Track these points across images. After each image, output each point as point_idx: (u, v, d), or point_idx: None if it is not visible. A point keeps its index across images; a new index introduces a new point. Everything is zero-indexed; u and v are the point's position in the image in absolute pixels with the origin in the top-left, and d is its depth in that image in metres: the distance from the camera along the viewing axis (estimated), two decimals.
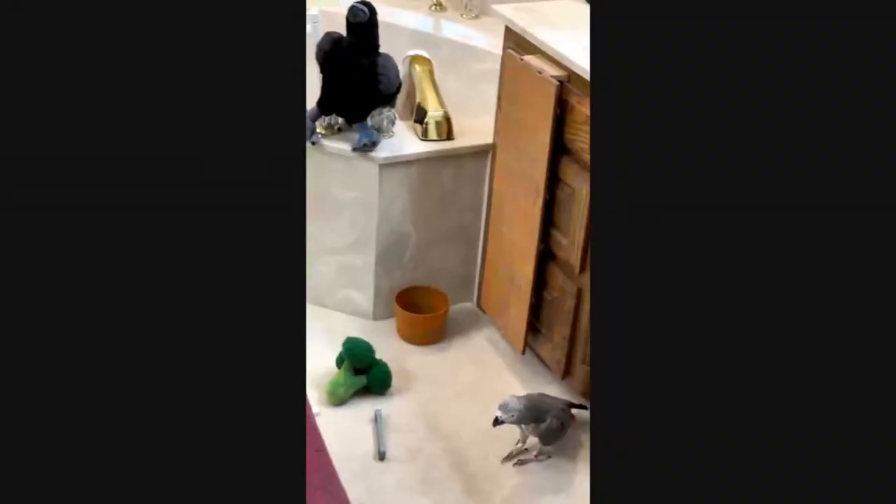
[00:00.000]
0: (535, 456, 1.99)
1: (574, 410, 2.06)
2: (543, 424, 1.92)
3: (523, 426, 1.94)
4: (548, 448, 1.99)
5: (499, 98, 2.16)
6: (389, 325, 2.37)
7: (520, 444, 1.99)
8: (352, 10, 2.11)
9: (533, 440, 1.97)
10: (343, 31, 2.16)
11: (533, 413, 1.92)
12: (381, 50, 2.19)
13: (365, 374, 2.13)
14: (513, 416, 1.89)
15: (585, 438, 2.08)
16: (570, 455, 2.03)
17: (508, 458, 1.99)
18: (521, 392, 2.18)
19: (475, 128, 2.33)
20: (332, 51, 2.18)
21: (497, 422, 1.89)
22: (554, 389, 2.19)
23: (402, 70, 2.39)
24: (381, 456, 1.97)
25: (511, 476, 1.95)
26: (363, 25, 2.13)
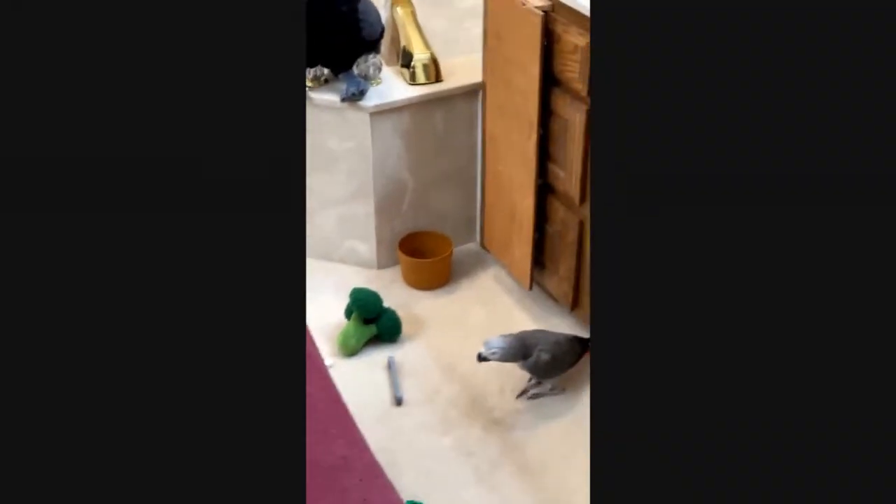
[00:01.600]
0: (550, 390, 2.01)
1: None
2: (531, 359, 1.93)
3: (519, 363, 1.96)
4: (554, 381, 2.00)
5: (484, 34, 2.13)
6: (395, 272, 2.38)
7: (532, 380, 2.01)
8: None
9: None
10: None
11: (518, 350, 1.92)
12: None
13: (374, 323, 2.14)
14: (495, 353, 1.90)
15: None
16: (586, 387, 2.05)
17: (522, 393, 2.01)
18: (532, 327, 2.19)
19: (463, 67, 2.30)
20: (310, 1, 2.14)
21: (480, 358, 1.91)
22: (564, 322, 2.20)
23: (384, 14, 2.36)
24: (398, 401, 1.99)
25: (529, 409, 1.98)
26: None
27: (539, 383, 2.01)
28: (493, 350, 1.90)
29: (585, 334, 2.13)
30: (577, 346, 2.02)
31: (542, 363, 1.93)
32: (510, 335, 1.95)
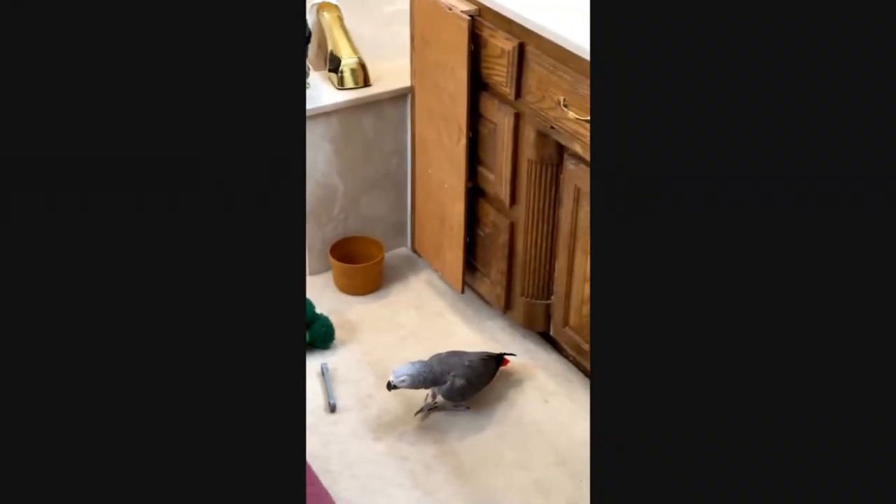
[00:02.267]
0: (454, 406, 1.99)
1: (508, 357, 2.08)
2: (445, 386, 1.91)
3: (433, 389, 1.94)
4: (463, 403, 1.99)
5: (412, 39, 2.13)
6: (326, 278, 2.36)
7: (429, 399, 1.99)
8: None
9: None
10: None
11: (428, 376, 1.90)
12: None
13: (307, 329, 2.12)
14: (404, 381, 1.88)
15: (521, 379, 2.12)
16: (513, 388, 2.06)
17: (419, 411, 1.98)
18: (465, 330, 2.20)
19: (392, 72, 2.30)
20: None
21: (390, 386, 1.89)
22: (497, 324, 2.22)
23: (310, 19, 2.34)
24: (332, 408, 1.98)
25: (464, 414, 1.98)
26: None
27: (436, 405, 1.99)
28: (401, 378, 1.88)
29: (517, 336, 2.14)
30: (491, 365, 2.01)
31: (458, 388, 1.92)
32: (419, 362, 1.93)
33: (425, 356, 2.04)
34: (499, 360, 2.04)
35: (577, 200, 1.82)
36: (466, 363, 1.95)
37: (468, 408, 1.99)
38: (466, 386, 1.93)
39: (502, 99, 1.91)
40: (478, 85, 1.96)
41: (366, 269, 2.30)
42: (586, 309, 1.90)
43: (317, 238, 2.34)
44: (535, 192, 1.91)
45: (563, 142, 1.79)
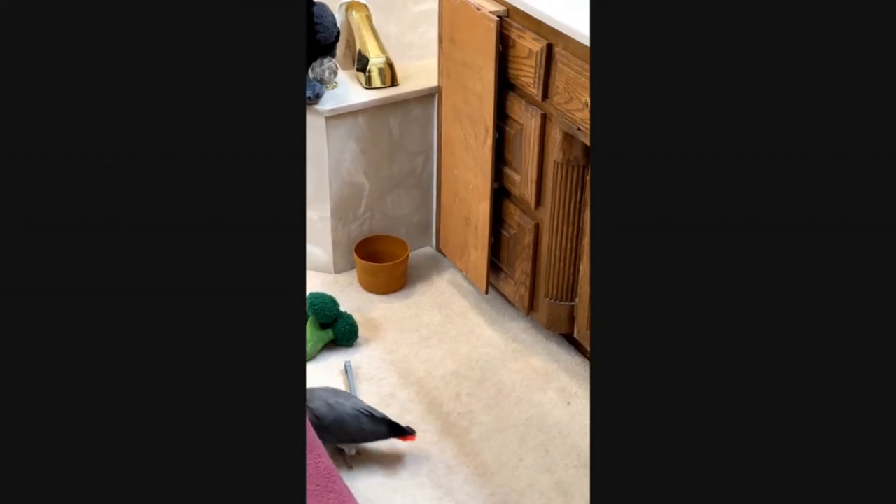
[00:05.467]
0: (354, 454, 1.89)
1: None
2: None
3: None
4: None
5: (440, 39, 2.14)
6: (351, 276, 2.37)
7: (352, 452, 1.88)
8: None
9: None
10: None
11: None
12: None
13: (331, 327, 2.13)
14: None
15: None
16: (532, 394, 2.06)
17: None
18: (488, 331, 2.20)
19: (419, 71, 2.31)
20: None
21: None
22: (520, 325, 2.22)
23: (339, 18, 2.35)
24: None
25: (485, 412, 1.98)
26: None
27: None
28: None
29: (540, 337, 2.14)
30: (380, 428, 1.84)
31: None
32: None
33: (448, 355, 2.04)
34: (396, 429, 1.85)
35: None
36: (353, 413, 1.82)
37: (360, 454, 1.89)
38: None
39: (529, 100, 1.91)
40: (505, 85, 1.96)
41: (390, 267, 2.31)
42: None
43: (342, 236, 2.35)
44: (560, 194, 1.90)
45: (589, 143, 1.78)
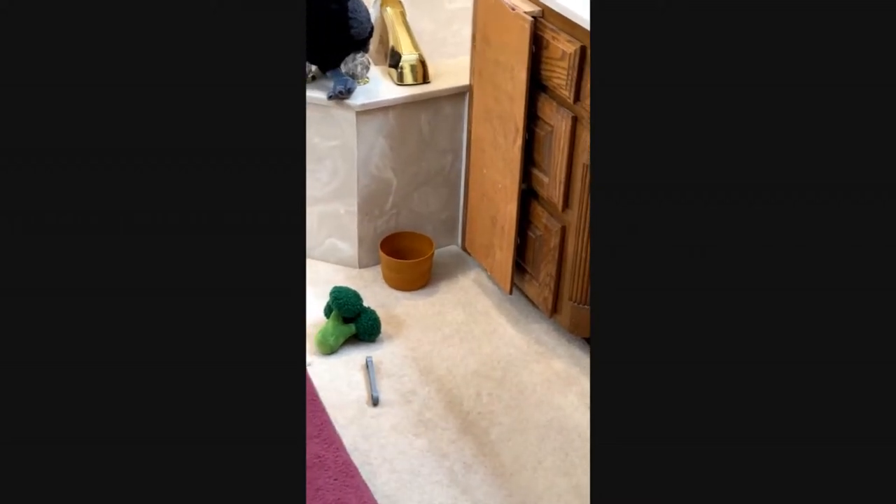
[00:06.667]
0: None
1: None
2: None
3: None
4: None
5: (473, 38, 2.13)
6: (375, 272, 2.38)
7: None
8: None
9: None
10: None
11: None
12: None
13: (354, 322, 2.14)
14: None
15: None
16: (563, 394, 2.05)
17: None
18: (510, 331, 2.19)
19: (451, 69, 2.31)
20: None
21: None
22: (542, 327, 2.21)
23: (374, 13, 2.36)
24: (375, 401, 1.99)
25: (506, 412, 1.98)
26: None
27: None
28: None
29: (563, 340, 2.12)
30: None
31: None
32: None
33: (469, 354, 2.04)
34: None
35: None
36: None
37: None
38: None
39: (561, 102, 1.90)
40: (536, 86, 1.95)
41: (415, 265, 2.31)
42: None
43: (368, 231, 2.36)
44: (588, 197, 1.90)
45: None
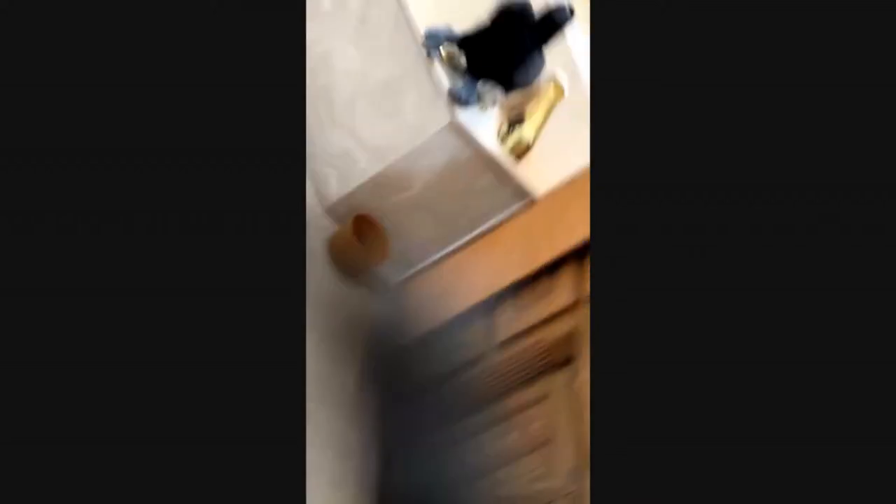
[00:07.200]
0: None
1: None
2: None
3: None
4: None
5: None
6: None
7: None
8: (562, 10, 2.06)
9: None
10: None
11: None
12: (546, 55, 2.15)
13: None
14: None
15: None
16: None
17: None
18: None
19: (535, 177, 2.27)
20: (514, 11, 2.11)
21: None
22: None
23: (544, 76, 2.34)
24: None
25: None
26: (557, 25, 2.08)
27: None
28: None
29: None
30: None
31: None
32: None
33: None
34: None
35: None
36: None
37: None
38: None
39: None
40: None
41: None
42: None
43: None
44: None
45: None
